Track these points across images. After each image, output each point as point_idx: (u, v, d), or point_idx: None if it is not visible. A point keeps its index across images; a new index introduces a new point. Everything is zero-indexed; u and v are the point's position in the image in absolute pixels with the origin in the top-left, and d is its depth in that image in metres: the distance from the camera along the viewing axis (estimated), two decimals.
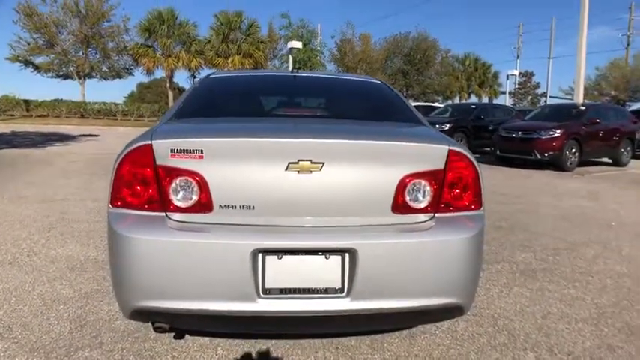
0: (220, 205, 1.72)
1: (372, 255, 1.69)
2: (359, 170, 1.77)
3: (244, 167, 1.71)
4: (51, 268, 3.00)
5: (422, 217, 1.83)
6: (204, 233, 1.68)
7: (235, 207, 1.72)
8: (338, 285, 1.70)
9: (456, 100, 42.98)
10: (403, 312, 1.76)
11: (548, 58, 39.17)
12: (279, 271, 1.68)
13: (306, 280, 1.70)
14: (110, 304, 2.52)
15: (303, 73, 2.89)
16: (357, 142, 1.79)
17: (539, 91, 45.05)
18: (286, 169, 1.71)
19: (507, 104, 39.36)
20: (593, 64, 57.62)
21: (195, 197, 1.72)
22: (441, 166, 1.82)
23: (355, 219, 1.77)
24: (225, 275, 1.66)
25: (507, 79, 40.59)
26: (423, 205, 1.82)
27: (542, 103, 43.99)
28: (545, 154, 10.32)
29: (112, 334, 2.22)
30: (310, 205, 1.75)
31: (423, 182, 1.80)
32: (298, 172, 1.71)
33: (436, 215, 1.83)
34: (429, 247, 1.75)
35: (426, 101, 39.30)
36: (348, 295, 1.70)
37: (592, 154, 11.29)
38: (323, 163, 1.72)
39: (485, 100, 44.65)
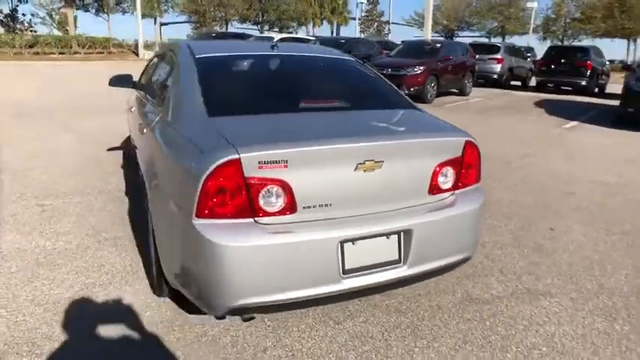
0: (303, 206, 1.91)
1: (421, 231, 2.11)
2: (407, 163, 2.11)
3: (322, 170, 1.92)
4: None
5: (447, 195, 2.28)
6: (295, 233, 1.88)
7: (315, 206, 1.94)
8: (396, 257, 2.10)
9: (310, 28, 43.45)
10: (439, 269, 2.26)
11: None
12: (354, 254, 1.99)
13: (373, 257, 2.05)
14: None
15: (286, 52, 2.99)
16: (407, 141, 2.12)
17: (384, 19, 47.92)
18: (355, 169, 1.97)
19: (357, 32, 41.22)
20: None
21: (281, 202, 1.88)
22: (459, 153, 2.26)
23: (404, 203, 2.14)
24: (315, 265, 1.92)
25: (357, 6, 42.17)
26: (448, 186, 2.26)
27: (386, 31, 47.07)
28: (412, 89, 11.58)
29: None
30: (373, 197, 2.05)
31: (449, 168, 2.24)
32: (365, 170, 1.98)
33: (455, 192, 2.31)
34: (456, 218, 2.24)
35: (281, 29, 38.92)
36: (404, 264, 2.11)
37: (446, 86, 13.01)
38: (383, 161, 2.02)
39: (335, 26, 45.96)
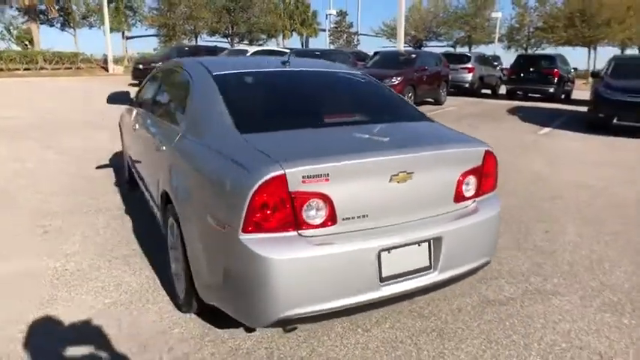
0: (342, 218, 1.98)
1: (450, 237, 2.21)
2: (434, 173, 2.21)
3: (359, 182, 1.99)
4: None
5: (469, 202, 2.39)
6: (336, 244, 1.94)
7: (354, 217, 2.01)
8: (427, 264, 2.19)
9: (280, 40, 43.71)
10: (465, 273, 2.36)
11: None
12: (390, 262, 2.07)
13: (407, 265, 2.13)
14: None
15: (299, 67, 3.07)
16: (435, 153, 2.22)
17: (353, 30, 48.69)
18: (389, 181, 2.06)
19: (327, 43, 41.67)
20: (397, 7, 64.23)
21: (323, 214, 1.94)
22: (480, 162, 2.37)
23: (433, 212, 2.24)
24: (356, 274, 1.98)
25: (327, 18, 42.74)
26: (470, 194, 2.37)
27: (355, 42, 47.78)
28: None
29: None
30: (405, 207, 2.14)
31: (472, 176, 2.35)
32: (398, 181, 2.07)
33: (476, 199, 2.42)
34: (480, 224, 2.35)
35: (250, 41, 39.01)
36: (435, 270, 2.20)
37: (422, 96, 13.33)
38: (413, 172, 2.11)
39: (305, 38, 46.39)
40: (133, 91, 4.54)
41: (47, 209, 4.30)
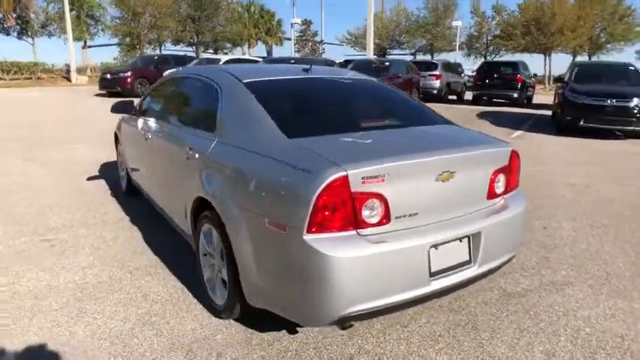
0: (395, 216, 2.07)
1: (487, 233, 2.34)
2: (472, 172, 2.34)
3: (411, 182, 2.09)
4: None
5: (499, 199, 2.53)
6: (392, 242, 2.02)
7: (405, 215, 2.10)
8: (467, 258, 2.31)
9: (245, 49, 43.58)
10: (497, 267, 2.50)
11: (321, 6, 43.01)
12: (437, 258, 2.17)
13: (451, 260, 2.24)
14: None
15: (322, 74, 3.16)
16: (472, 153, 2.36)
17: (318, 39, 49.16)
18: (435, 180, 2.17)
19: (293, 52, 41.88)
20: (362, 16, 65.43)
21: (379, 213, 2.02)
22: (507, 161, 2.53)
23: (471, 209, 2.36)
24: (410, 270, 2.08)
25: (292, 27, 43.01)
26: (500, 191, 2.52)
27: (321, 50, 48.24)
28: None
29: None
30: (448, 204, 2.26)
31: (501, 174, 2.49)
32: (442, 180, 2.19)
33: (504, 196, 2.57)
34: (510, 220, 2.49)
35: (216, 50, 38.71)
36: (475, 264, 2.33)
37: None
38: (455, 172, 2.23)
39: (270, 47, 46.49)
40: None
41: (47, 223, 4.18)
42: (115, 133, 5.03)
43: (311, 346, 2.40)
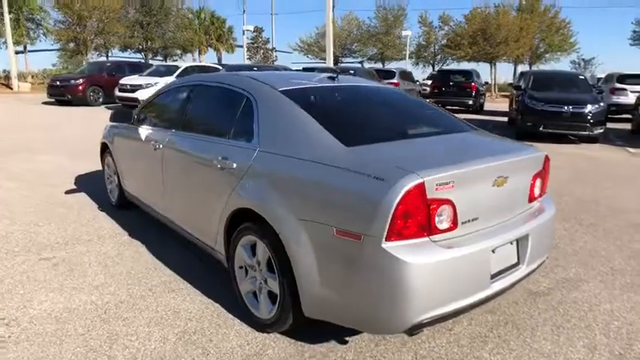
0: (461, 222, 2.11)
1: (533, 234, 2.44)
2: (519, 177, 2.43)
3: (473, 188, 2.14)
4: None
5: (536, 202, 2.65)
6: (461, 247, 2.05)
7: (469, 220, 2.14)
8: (515, 260, 2.39)
9: (196, 55, 42.73)
10: (537, 267, 2.60)
11: (272, 14, 43.07)
12: (494, 260, 2.24)
13: (504, 262, 2.31)
14: None
15: (352, 83, 3.19)
16: (520, 158, 2.45)
17: (270, 46, 49.00)
18: (492, 185, 2.23)
19: (245, 59, 41.56)
20: (314, 24, 66.03)
21: (449, 219, 2.05)
22: (542, 166, 2.64)
23: (517, 211, 2.45)
24: (476, 274, 2.12)
25: (243, 34, 42.58)
26: (537, 195, 2.63)
27: (274, 57, 48.15)
28: None
29: None
30: (501, 209, 2.33)
31: (538, 179, 2.61)
32: (497, 185, 2.26)
33: (539, 199, 2.68)
34: (548, 222, 2.61)
35: (165, 56, 37.65)
36: (522, 265, 2.41)
37: None
38: (508, 177, 2.31)
39: (222, 54, 45.83)
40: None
41: (39, 240, 3.89)
42: (104, 143, 4.76)
43: (367, 354, 2.38)
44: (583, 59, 38.06)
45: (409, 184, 1.91)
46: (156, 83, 14.68)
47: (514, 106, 12.17)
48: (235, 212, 2.63)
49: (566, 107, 9.91)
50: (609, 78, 16.72)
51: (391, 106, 3.13)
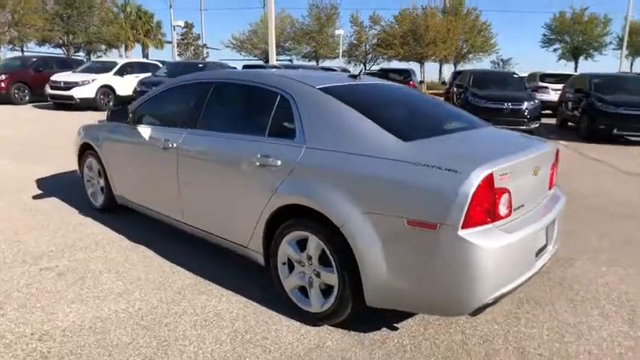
0: (514, 208, 2.31)
1: (558, 219, 2.71)
2: (545, 167, 2.69)
3: (521, 177, 2.36)
4: None
5: (552, 190, 2.93)
6: (517, 231, 2.25)
7: (519, 207, 2.35)
8: (545, 242, 2.65)
9: (122, 51, 40.53)
10: (556, 250, 2.88)
11: (200, 9, 41.98)
12: (535, 242, 2.48)
13: (539, 243, 2.56)
14: None
15: (373, 81, 3.30)
16: (548, 150, 2.72)
17: (201, 42, 47.63)
18: (532, 174, 2.47)
19: (175, 55, 40.11)
20: (246, 21, 64.85)
21: (507, 206, 2.23)
22: (555, 158, 2.93)
23: (543, 198, 2.71)
24: (528, 254, 2.35)
25: (173, 29, 40.99)
26: (553, 183, 2.92)
27: (205, 54, 46.86)
28: None
29: None
30: (535, 195, 2.57)
31: (555, 169, 2.89)
32: (534, 175, 2.49)
33: (553, 188, 2.97)
34: (562, 208, 2.90)
35: (89, 52, 35.34)
36: (550, 246, 2.68)
37: None
38: (540, 167, 2.56)
39: (152, 50, 43.87)
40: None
41: (30, 251, 3.61)
42: (85, 144, 4.47)
43: (421, 338, 2.53)
44: (502, 59, 40.98)
45: (482, 175, 2.07)
46: (94, 80, 13.82)
47: (456, 103, 12.93)
48: (280, 209, 2.65)
49: (506, 104, 10.74)
50: (531, 77, 18.26)
51: (418, 103, 3.30)
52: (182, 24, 41.58)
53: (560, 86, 14.14)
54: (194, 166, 3.26)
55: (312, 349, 2.41)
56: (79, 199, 4.81)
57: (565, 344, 2.51)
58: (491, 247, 2.10)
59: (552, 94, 15.86)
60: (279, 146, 2.72)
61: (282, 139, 2.73)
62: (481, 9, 40.64)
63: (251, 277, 3.18)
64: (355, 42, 41.20)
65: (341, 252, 2.39)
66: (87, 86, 13.68)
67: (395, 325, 2.64)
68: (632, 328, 2.69)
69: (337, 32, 39.47)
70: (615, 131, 9.90)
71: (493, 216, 2.18)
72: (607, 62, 75.87)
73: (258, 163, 2.76)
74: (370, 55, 41.03)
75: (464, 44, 35.83)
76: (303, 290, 2.69)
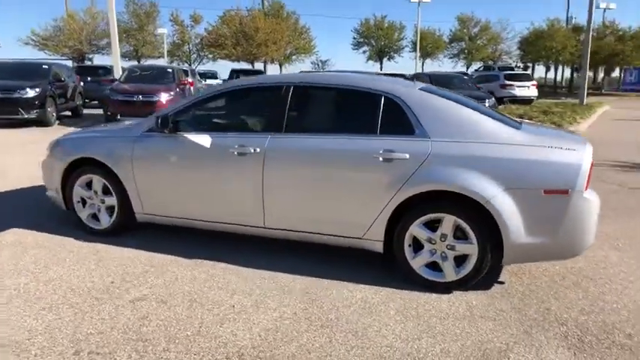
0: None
1: None
2: None
3: None
4: None
5: None
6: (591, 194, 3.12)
7: None
8: None
9: None
10: None
11: None
12: None
13: None
14: None
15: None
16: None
17: None
18: None
19: None
20: (50, 15, 54.87)
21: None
22: None
23: None
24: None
25: None
26: None
27: None
28: None
29: None
30: None
31: None
32: None
33: None
34: None
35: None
36: None
37: None
38: None
39: None
40: None
41: (85, 287, 3.15)
42: (80, 160, 3.91)
43: (527, 284, 3.27)
44: (321, 60, 44.49)
45: (590, 151, 2.92)
46: None
47: None
48: (410, 198, 3.05)
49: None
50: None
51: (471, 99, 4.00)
52: None
53: (521, 83, 20.51)
54: (288, 169, 3.34)
55: (467, 309, 2.92)
56: (63, 226, 4.18)
57: None
58: (598, 203, 2.96)
59: (517, 90, 20.64)
60: (401, 142, 3.10)
61: (400, 135, 3.12)
62: (300, 13, 43.39)
63: (359, 269, 3.45)
64: (178, 41, 39.72)
65: (482, 225, 2.96)
66: None
67: (499, 281, 3.31)
68: None
69: (160, 31, 37.50)
70: None
71: (589, 181, 3.04)
72: (405, 64, 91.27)
73: (381, 159, 3.10)
74: (195, 55, 40.16)
75: (287, 46, 37.90)
76: (429, 266, 3.16)
